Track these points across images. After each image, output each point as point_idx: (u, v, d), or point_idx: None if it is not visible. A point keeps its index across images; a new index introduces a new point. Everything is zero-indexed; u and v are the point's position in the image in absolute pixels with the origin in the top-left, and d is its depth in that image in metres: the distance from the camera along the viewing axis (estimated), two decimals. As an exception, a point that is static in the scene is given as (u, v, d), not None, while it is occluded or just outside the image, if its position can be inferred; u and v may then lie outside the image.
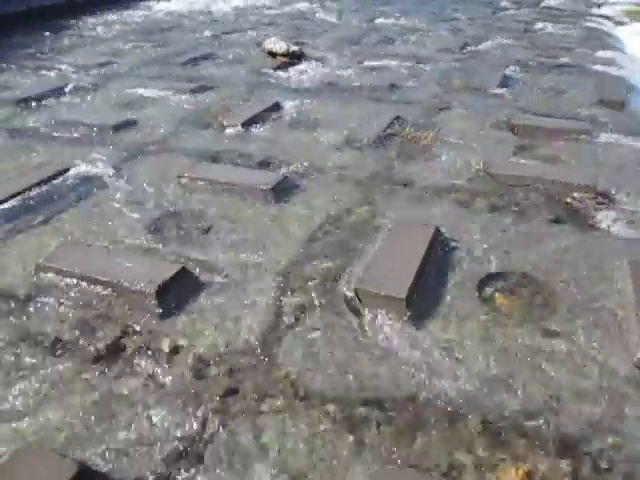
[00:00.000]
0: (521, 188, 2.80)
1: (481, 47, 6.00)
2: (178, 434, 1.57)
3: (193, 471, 1.47)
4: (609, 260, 2.26)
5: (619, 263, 2.21)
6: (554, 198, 2.73)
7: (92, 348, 1.87)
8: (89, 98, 4.37)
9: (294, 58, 5.29)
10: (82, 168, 3.09)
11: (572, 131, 3.51)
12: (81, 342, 1.89)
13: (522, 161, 3.16)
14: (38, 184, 2.89)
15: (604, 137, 3.48)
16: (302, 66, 5.18)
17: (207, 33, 6.84)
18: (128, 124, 3.77)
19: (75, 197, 2.81)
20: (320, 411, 1.63)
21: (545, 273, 2.18)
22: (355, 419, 1.60)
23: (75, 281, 2.13)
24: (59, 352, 1.86)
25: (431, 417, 1.61)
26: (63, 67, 5.25)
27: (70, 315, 2.00)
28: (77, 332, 1.93)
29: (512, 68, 5.05)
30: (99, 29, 7.22)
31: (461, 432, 1.56)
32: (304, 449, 1.52)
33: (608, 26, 7.62)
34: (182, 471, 1.47)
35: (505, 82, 4.61)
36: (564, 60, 5.38)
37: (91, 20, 7.76)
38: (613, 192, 2.79)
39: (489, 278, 2.15)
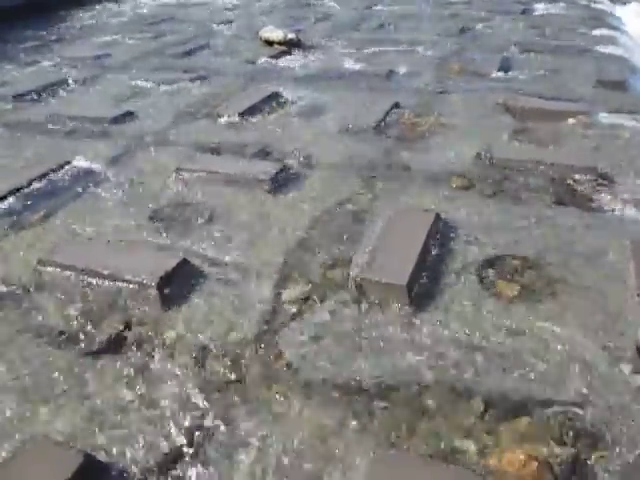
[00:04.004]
0: (521, 172, 2.79)
1: (479, 30, 5.94)
2: (181, 424, 1.58)
3: (195, 461, 1.48)
4: (611, 242, 2.25)
5: (621, 244, 2.21)
6: (555, 181, 2.72)
7: (95, 340, 1.88)
8: (86, 91, 4.35)
9: (291, 46, 5.25)
10: (81, 162, 3.09)
11: (572, 113, 3.48)
12: (84, 334, 1.90)
13: (522, 144, 3.15)
14: (38, 179, 2.89)
15: (604, 118, 3.46)
16: (300, 54, 5.14)
17: (203, 23, 6.79)
18: (126, 117, 3.76)
19: (75, 191, 2.81)
20: (322, 398, 1.64)
21: (546, 256, 2.17)
22: (358, 405, 1.61)
23: (77, 275, 2.14)
24: (62, 344, 1.87)
25: (433, 402, 1.61)
26: (60, 60, 5.23)
27: (73, 308, 2.01)
28: (80, 324, 1.94)
29: (511, 50, 5.01)
30: (94, 21, 7.19)
31: (464, 417, 1.57)
32: (307, 437, 1.53)
33: (608, 5, 7.53)
34: (184, 460, 1.48)
35: (504, 65, 4.57)
36: (563, 41, 5.33)
37: (86, 12, 7.72)
38: (614, 173, 2.78)
39: (490, 263, 2.14)
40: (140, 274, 2.05)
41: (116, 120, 3.69)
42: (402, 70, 4.58)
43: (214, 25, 6.67)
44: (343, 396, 1.64)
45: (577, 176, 2.73)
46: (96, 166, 3.07)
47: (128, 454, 1.50)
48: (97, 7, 8.04)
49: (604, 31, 5.76)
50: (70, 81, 4.56)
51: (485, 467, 1.44)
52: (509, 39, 5.43)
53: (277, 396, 1.66)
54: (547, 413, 1.57)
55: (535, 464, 1.45)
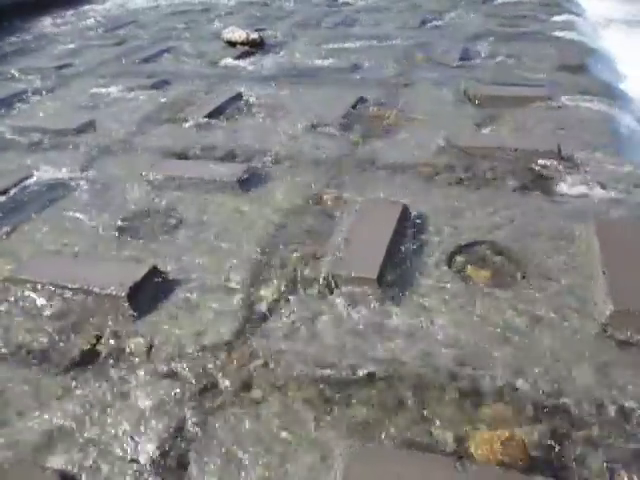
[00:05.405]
0: (486, 159, 2.82)
1: (441, 21, 5.99)
2: (159, 433, 1.57)
3: (173, 468, 1.47)
4: (576, 222, 2.29)
5: (585, 224, 2.25)
6: (519, 166, 2.76)
7: (68, 355, 1.85)
8: (48, 102, 4.28)
9: (254, 46, 5.23)
10: (45, 174, 3.03)
11: (534, 98, 3.54)
12: (56, 350, 1.87)
13: (486, 132, 3.19)
14: (0, 193, 2.83)
15: (566, 101, 3.52)
16: (263, 53, 5.12)
17: (165, 27, 6.72)
18: (90, 125, 3.70)
19: (40, 204, 2.76)
20: (299, 395, 1.64)
21: (514, 240, 2.21)
22: (335, 400, 1.62)
23: (46, 290, 2.09)
24: (34, 361, 1.84)
25: (409, 392, 1.62)
26: (19, 72, 5.12)
27: (43, 324, 1.97)
28: (51, 340, 1.91)
29: (473, 40, 5.06)
30: (54, 29, 7.06)
31: (440, 404, 1.58)
32: (285, 435, 1.53)
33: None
34: (162, 468, 1.47)
35: (466, 54, 4.62)
36: (524, 28, 5.40)
37: (45, 21, 7.57)
38: (577, 156, 2.82)
39: (458, 250, 2.17)
40: (110, 285, 2.02)
41: (80, 129, 3.64)
42: (366, 64, 4.60)
43: (176, 28, 6.60)
44: (319, 392, 1.64)
45: (541, 160, 2.78)
46: (61, 177, 3.02)
47: (104, 467, 1.49)
48: (55, 14, 7.89)
49: (563, 17, 5.85)
50: (32, 92, 4.47)
51: (463, 452, 1.45)
52: (470, 28, 5.49)
53: (254, 396, 1.65)
54: (519, 396, 1.59)
55: (511, 445, 1.47)
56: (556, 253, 2.13)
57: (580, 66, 4.20)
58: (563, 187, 2.58)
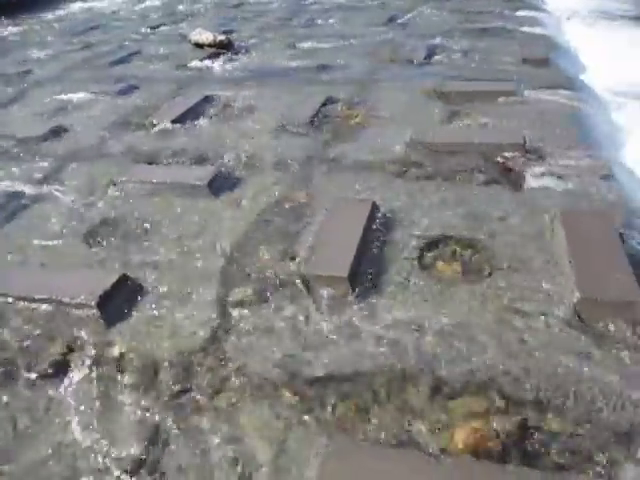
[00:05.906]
0: (453, 154, 2.85)
1: (406, 19, 6.03)
2: (134, 440, 1.56)
3: (152, 474, 1.46)
4: (543, 214, 2.33)
5: (552, 215, 2.29)
6: (486, 160, 2.79)
7: (38, 366, 1.83)
8: (11, 110, 4.19)
9: (222, 48, 5.20)
10: (9, 184, 2.98)
11: (499, 93, 3.58)
12: (27, 363, 1.84)
13: (453, 127, 3.22)
14: (-36, 206, 2.78)
15: (530, 95, 3.57)
16: (231, 55, 5.10)
17: (131, 30, 6.64)
18: (56, 132, 3.65)
19: (4, 215, 2.70)
20: (275, 398, 1.64)
21: (483, 234, 2.24)
22: (310, 400, 1.62)
23: (13, 303, 2.06)
24: (3, 377, 1.81)
25: (383, 388, 1.64)
26: (-20, 80, 5.02)
27: (12, 338, 1.94)
28: (21, 354, 1.88)
29: (439, 36, 5.10)
30: (15, 35, 6.93)
31: (414, 399, 1.60)
32: (262, 437, 1.53)
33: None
34: (142, 476, 1.47)
35: (432, 51, 4.66)
36: (488, 24, 5.46)
37: (6, 26, 7.42)
38: (543, 148, 2.87)
39: (428, 246, 2.19)
40: (79, 294, 2.00)
41: (46, 137, 3.58)
42: (334, 63, 4.60)
43: (142, 31, 6.53)
44: (295, 393, 1.65)
45: (508, 154, 2.81)
46: (27, 187, 2.96)
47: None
48: (15, 19, 7.74)
49: (526, 12, 5.93)
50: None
51: (438, 446, 1.47)
52: (436, 25, 5.54)
53: (229, 401, 1.65)
54: (492, 387, 1.61)
55: (484, 437, 1.49)
56: (525, 244, 2.17)
57: (544, 60, 4.27)
58: (530, 180, 2.62)
